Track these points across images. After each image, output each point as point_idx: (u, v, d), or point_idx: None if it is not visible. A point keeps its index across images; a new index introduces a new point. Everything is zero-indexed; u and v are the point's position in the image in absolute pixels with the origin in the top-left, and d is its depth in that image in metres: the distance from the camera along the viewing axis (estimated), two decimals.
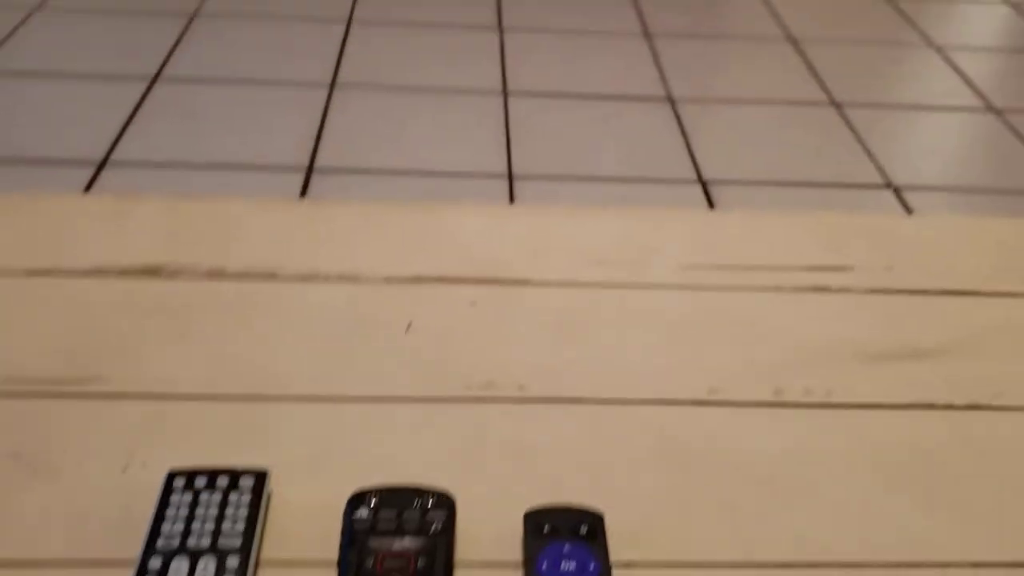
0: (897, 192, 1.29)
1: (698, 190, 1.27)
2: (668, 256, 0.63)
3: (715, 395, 0.54)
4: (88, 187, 1.20)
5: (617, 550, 0.50)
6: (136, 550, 0.55)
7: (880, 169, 1.34)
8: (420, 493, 0.55)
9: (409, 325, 0.56)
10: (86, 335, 0.54)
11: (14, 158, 1.24)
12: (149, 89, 1.42)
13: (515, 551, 0.51)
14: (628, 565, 0.49)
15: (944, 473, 0.50)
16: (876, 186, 1.30)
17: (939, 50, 1.72)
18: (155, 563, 0.53)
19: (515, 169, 1.30)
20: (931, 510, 0.47)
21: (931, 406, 0.54)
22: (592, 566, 0.49)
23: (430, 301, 0.58)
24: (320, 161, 1.28)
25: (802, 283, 0.61)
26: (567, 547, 0.50)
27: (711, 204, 1.26)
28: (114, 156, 1.26)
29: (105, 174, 1.22)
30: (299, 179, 1.24)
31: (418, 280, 0.59)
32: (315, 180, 1.24)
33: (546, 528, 0.51)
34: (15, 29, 1.56)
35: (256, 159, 1.27)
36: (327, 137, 1.33)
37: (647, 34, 1.71)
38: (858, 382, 0.55)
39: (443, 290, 0.59)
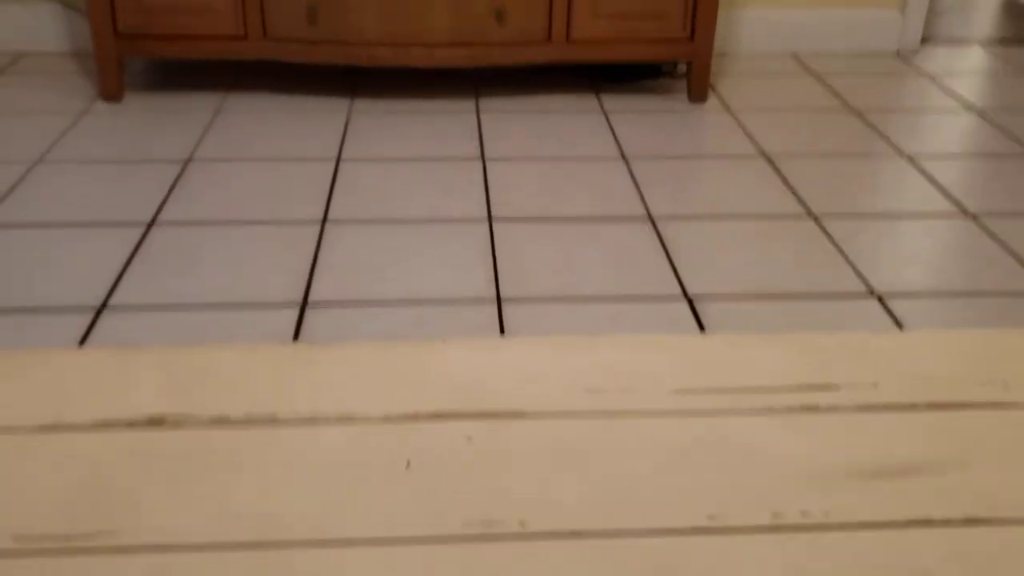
0: (881, 300, 1.32)
1: (684, 306, 1.30)
2: (660, 382, 0.64)
3: (715, 522, 0.54)
4: (88, 331, 1.22)
5: None
6: None
7: (863, 278, 1.38)
8: None
9: (408, 464, 0.57)
10: (93, 489, 0.54)
11: (17, 308, 1.26)
12: (146, 234, 1.46)
13: None
14: None
15: None
16: (860, 295, 1.33)
17: (910, 159, 1.78)
18: None
19: (503, 293, 1.32)
20: None
21: (928, 522, 0.55)
22: None
23: (427, 438, 0.59)
24: (314, 295, 1.31)
25: (792, 404, 0.62)
26: None
27: (698, 319, 1.28)
28: (113, 300, 1.28)
29: (105, 317, 1.24)
30: (294, 314, 1.26)
31: (415, 418, 0.61)
32: (309, 314, 1.26)
33: None
34: (17, 182, 1.61)
35: (253, 297, 1.30)
36: (320, 272, 1.36)
37: (624, 157, 1.77)
38: (854, 501, 0.55)
39: (439, 427, 0.60)
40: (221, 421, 0.61)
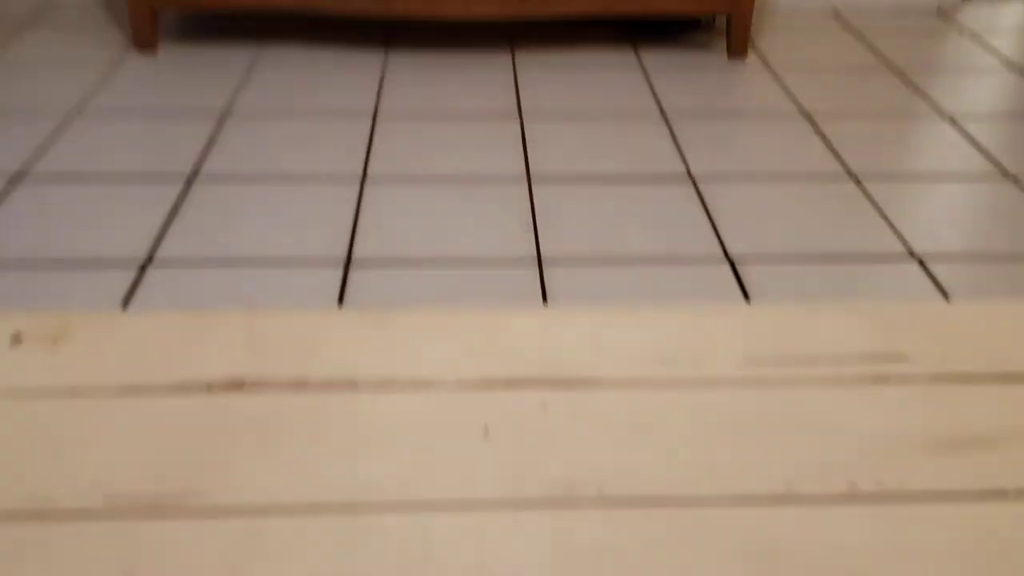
0: (922, 263, 1.32)
1: (726, 268, 1.30)
2: (728, 352, 0.65)
3: (792, 490, 0.55)
4: (133, 287, 1.23)
5: None
6: None
7: (903, 240, 1.37)
8: None
9: (486, 430, 0.58)
10: (179, 451, 0.56)
11: (59, 261, 1.27)
12: (187, 188, 1.46)
13: None
14: None
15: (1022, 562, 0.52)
16: (901, 258, 1.33)
17: (951, 121, 1.76)
18: None
19: (544, 253, 1.33)
20: None
21: (1003, 494, 0.56)
22: None
23: (503, 405, 0.60)
24: (357, 253, 1.31)
25: (862, 374, 0.62)
26: None
27: (740, 281, 1.28)
28: (157, 255, 1.29)
29: (150, 273, 1.25)
30: (338, 273, 1.27)
31: (489, 385, 0.61)
32: (353, 273, 1.27)
33: None
34: (54, 134, 1.61)
35: (295, 254, 1.30)
36: (361, 231, 1.37)
37: (663, 114, 1.76)
38: (930, 472, 0.56)
39: (514, 394, 0.61)
40: (301, 385, 0.62)
